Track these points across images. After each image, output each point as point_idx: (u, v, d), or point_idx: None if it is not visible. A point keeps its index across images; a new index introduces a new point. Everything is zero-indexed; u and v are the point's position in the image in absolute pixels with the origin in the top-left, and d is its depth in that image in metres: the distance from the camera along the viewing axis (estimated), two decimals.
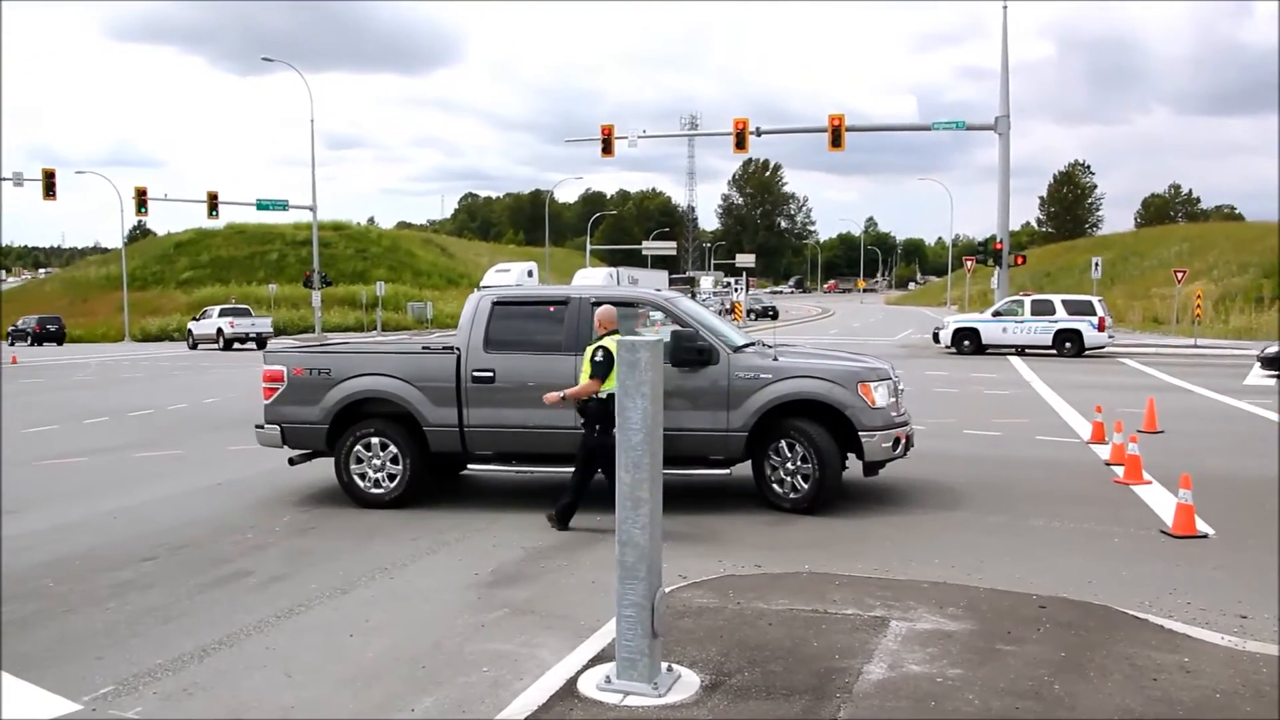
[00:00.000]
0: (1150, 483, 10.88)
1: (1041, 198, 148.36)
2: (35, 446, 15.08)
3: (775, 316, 74.24)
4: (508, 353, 10.21)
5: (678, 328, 10.02)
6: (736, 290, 77.14)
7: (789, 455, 9.77)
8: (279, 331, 56.97)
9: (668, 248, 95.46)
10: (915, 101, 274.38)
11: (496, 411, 10.18)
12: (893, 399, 9.97)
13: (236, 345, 45.10)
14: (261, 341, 43.38)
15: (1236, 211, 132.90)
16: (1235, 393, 21.13)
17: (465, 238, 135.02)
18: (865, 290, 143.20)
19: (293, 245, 76.90)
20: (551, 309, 10.49)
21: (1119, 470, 11.50)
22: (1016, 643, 5.80)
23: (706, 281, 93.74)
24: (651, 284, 63.05)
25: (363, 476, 10.30)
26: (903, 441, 10.02)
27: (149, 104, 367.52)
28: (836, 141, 38.19)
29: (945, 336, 34.71)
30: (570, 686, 5.20)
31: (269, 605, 7.15)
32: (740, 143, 39.46)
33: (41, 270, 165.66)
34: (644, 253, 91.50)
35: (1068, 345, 32.02)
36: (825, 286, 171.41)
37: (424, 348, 11.17)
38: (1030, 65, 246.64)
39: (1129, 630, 6.04)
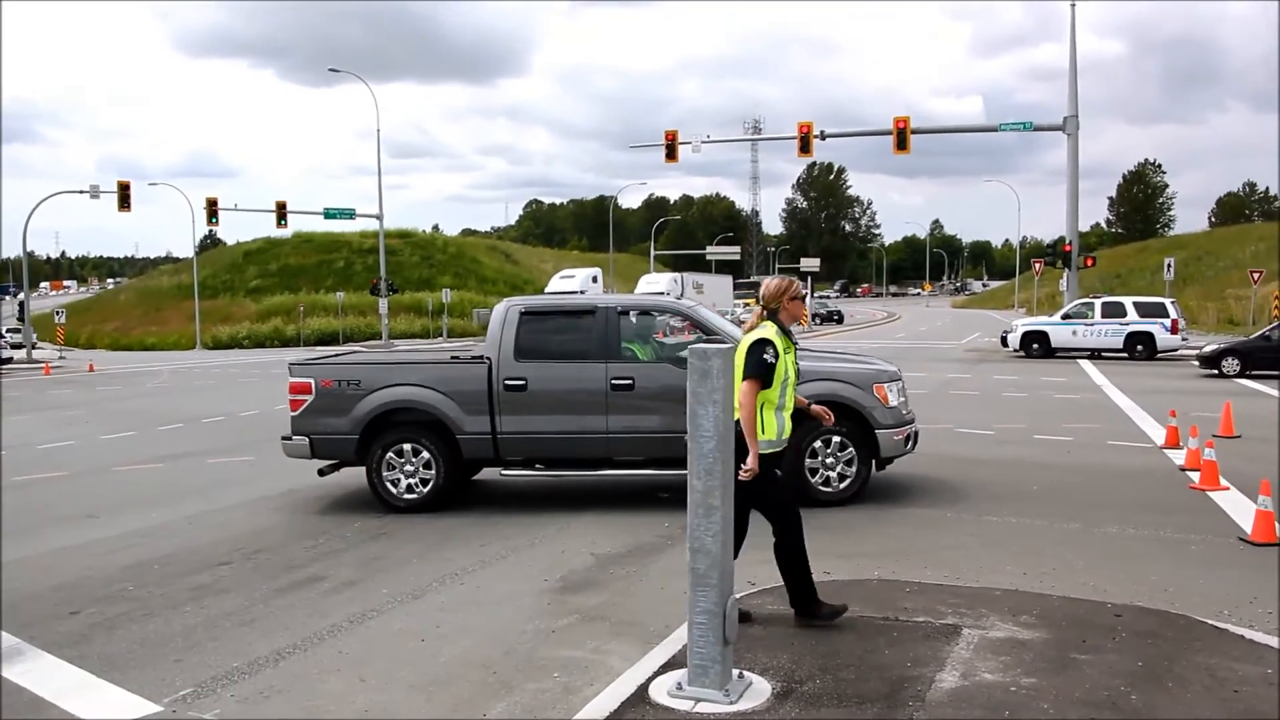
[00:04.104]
0: (1228, 489, 10.67)
1: (1111, 198, 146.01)
2: (113, 452, 15.41)
3: (840, 321, 73.77)
4: (539, 361, 10.41)
5: (701, 335, 10.48)
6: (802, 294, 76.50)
7: (826, 452, 10.23)
8: (347, 339, 57.76)
9: (732, 252, 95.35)
10: (982, 103, 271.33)
11: (530, 419, 10.37)
12: (902, 399, 10.62)
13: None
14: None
15: None
16: None
17: (530, 244, 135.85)
18: (927, 294, 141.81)
19: (359, 253, 77.70)
20: (578, 318, 10.70)
21: (1195, 476, 11.29)
22: (1092, 652, 5.72)
23: None
24: (716, 289, 63.15)
25: (395, 483, 10.47)
26: (911, 438, 10.65)
27: (222, 117, 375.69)
28: (902, 144, 37.88)
29: (1014, 340, 34.31)
30: (641, 693, 5.21)
31: (342, 610, 7.25)
32: (805, 146, 39.28)
33: (110, 280, 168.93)
34: (708, 258, 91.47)
35: (1139, 348, 31.50)
36: (860, 290, 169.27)
37: (453, 357, 11.33)
38: (1102, 65, 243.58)
39: (1208, 640, 5.92)
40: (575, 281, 46.52)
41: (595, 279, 47.87)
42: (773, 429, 6.05)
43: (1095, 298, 35.02)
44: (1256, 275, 41.85)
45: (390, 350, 34.56)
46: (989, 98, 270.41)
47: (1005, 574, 7.75)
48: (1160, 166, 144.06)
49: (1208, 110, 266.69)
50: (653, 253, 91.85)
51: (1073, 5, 40.53)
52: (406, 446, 10.45)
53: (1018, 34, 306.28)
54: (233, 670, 6.07)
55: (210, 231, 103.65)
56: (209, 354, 51.85)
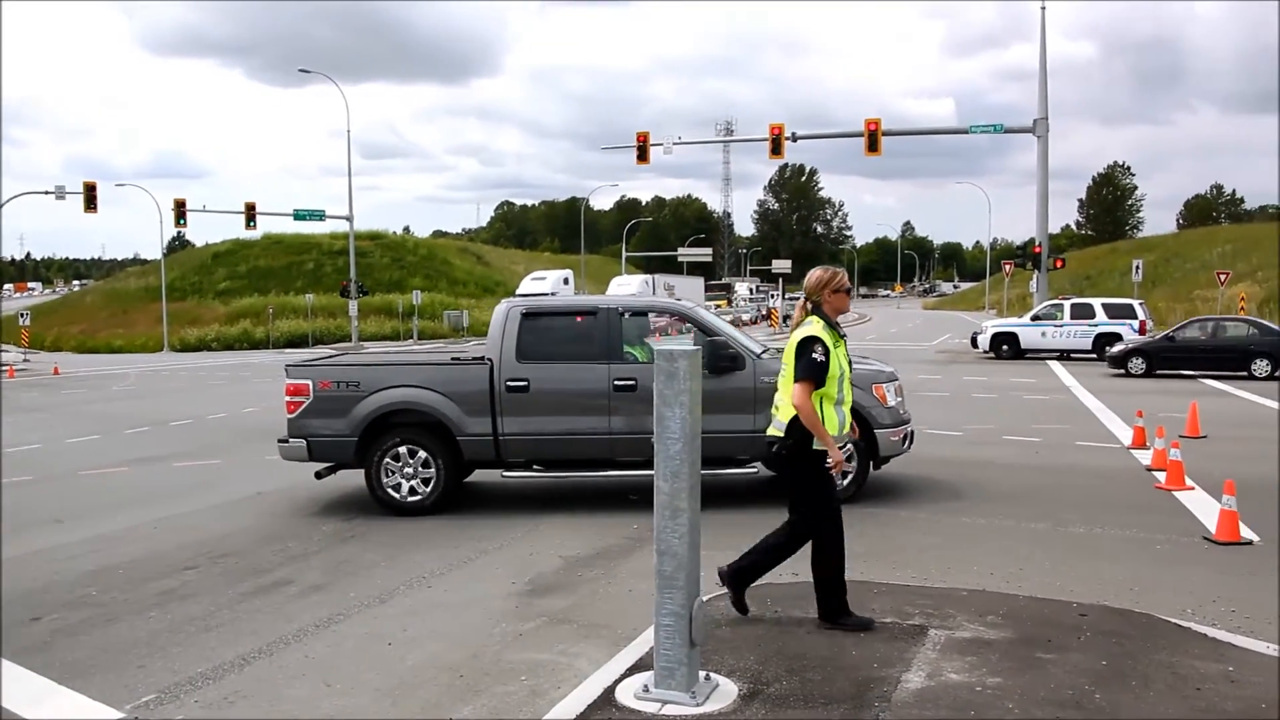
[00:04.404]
0: (1193, 488, 10.76)
1: (1081, 200, 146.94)
2: (79, 456, 15.27)
3: None
4: (541, 363, 10.35)
5: (705, 336, 10.40)
6: (772, 296, 77.03)
7: None
8: (317, 341, 57.45)
9: (703, 254, 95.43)
10: (954, 105, 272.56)
11: (532, 420, 10.32)
12: (899, 398, 10.72)
13: None
14: None
15: None
16: None
17: (501, 246, 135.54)
18: (898, 296, 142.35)
19: (329, 255, 77.25)
20: (580, 319, 10.67)
21: (1161, 476, 11.39)
22: (1057, 651, 5.75)
23: (742, 288, 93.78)
24: (687, 291, 63.29)
25: (396, 487, 10.39)
26: (908, 437, 10.78)
27: (190, 117, 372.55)
28: (873, 146, 38.04)
29: (984, 341, 34.49)
30: (608, 695, 5.19)
31: (309, 614, 7.20)
32: (776, 148, 39.39)
33: (76, 282, 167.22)
34: (679, 259, 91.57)
35: (1108, 349, 31.72)
36: None
37: (453, 358, 11.27)
38: (1073, 66, 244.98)
39: (1172, 639, 5.97)
40: (546, 283, 46.44)
41: (567, 281, 47.80)
42: (833, 425, 6.00)
43: (1064, 299, 35.26)
44: (1223, 277, 42.25)
45: (360, 352, 34.41)
46: (961, 99, 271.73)
47: (972, 574, 7.79)
48: (1129, 169, 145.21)
49: (1176, 111, 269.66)
50: (624, 254, 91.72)
51: (1043, 7, 40.96)
52: (406, 449, 10.38)
53: (990, 35, 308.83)
54: (197, 676, 6.02)
55: (178, 233, 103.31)
56: (177, 356, 51.47)
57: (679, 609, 5.01)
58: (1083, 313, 32.82)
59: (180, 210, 50.70)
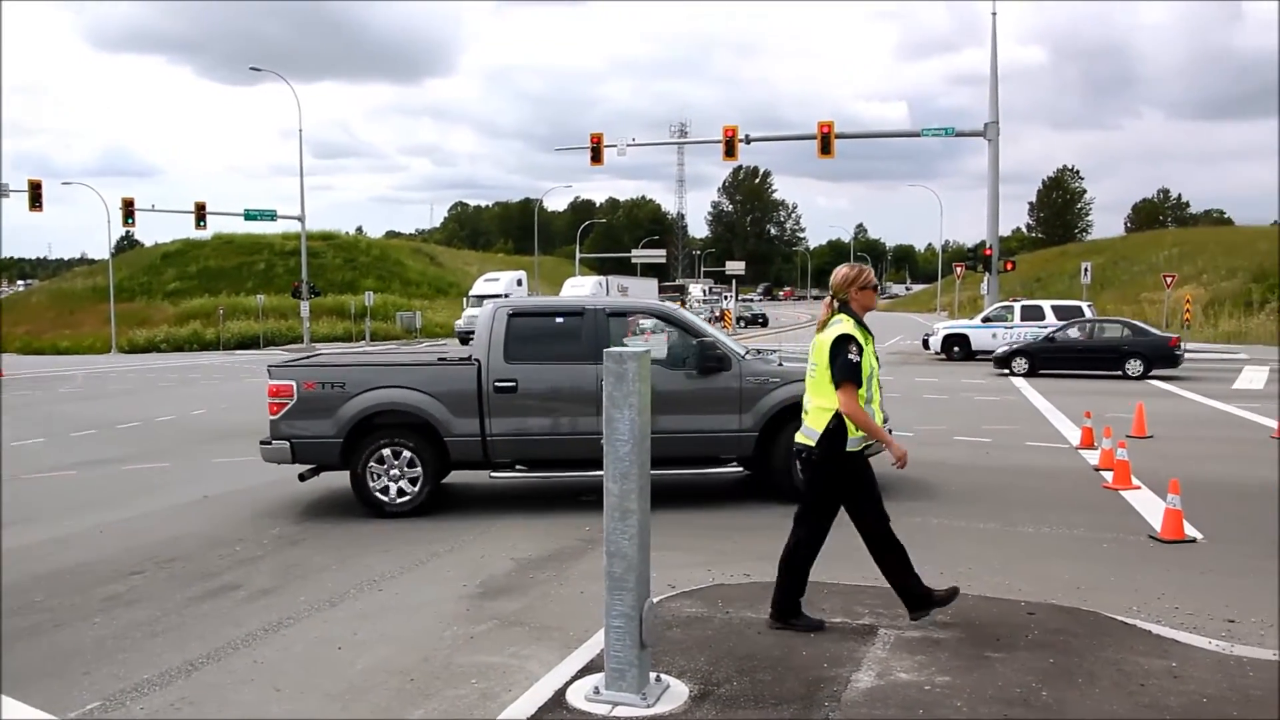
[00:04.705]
0: (1139, 488, 10.91)
1: (1031, 203, 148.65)
2: (23, 460, 15.02)
3: (765, 324, 74.31)
4: (529, 363, 10.37)
5: (692, 338, 10.52)
6: (725, 298, 77.27)
7: None
8: (268, 342, 56.88)
9: (657, 255, 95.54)
10: (907, 108, 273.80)
11: (520, 420, 10.34)
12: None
13: None
14: None
15: (1226, 216, 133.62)
16: (1224, 397, 21.21)
17: (454, 247, 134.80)
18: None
19: (281, 255, 76.57)
20: (567, 320, 10.72)
21: (1108, 476, 11.53)
22: (1005, 650, 5.81)
23: (696, 289, 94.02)
24: (641, 292, 63.28)
25: (382, 488, 10.32)
26: None
27: (138, 114, 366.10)
28: (826, 149, 38.17)
29: (935, 343, 34.75)
30: (559, 698, 5.19)
31: (257, 619, 7.13)
32: (729, 150, 39.46)
33: (21, 282, 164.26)
34: (633, 260, 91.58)
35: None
36: (782, 293, 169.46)
37: (440, 359, 11.23)
38: (1024, 71, 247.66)
39: (1117, 636, 6.05)
40: (500, 285, 46.45)
41: (520, 282, 47.86)
42: None
43: (1015, 301, 35.68)
44: (1169, 279, 42.82)
45: (314, 353, 34.04)
46: (913, 103, 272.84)
47: (923, 574, 7.74)
48: (1078, 173, 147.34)
49: (1124, 117, 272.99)
50: (578, 255, 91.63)
51: (994, 12, 41.40)
52: (392, 450, 10.30)
53: (942, 39, 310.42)
54: (143, 682, 5.94)
55: (127, 232, 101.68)
56: (125, 358, 50.78)
57: (629, 611, 5.01)
58: (1032, 315, 33.19)
59: (129, 209, 50.08)
